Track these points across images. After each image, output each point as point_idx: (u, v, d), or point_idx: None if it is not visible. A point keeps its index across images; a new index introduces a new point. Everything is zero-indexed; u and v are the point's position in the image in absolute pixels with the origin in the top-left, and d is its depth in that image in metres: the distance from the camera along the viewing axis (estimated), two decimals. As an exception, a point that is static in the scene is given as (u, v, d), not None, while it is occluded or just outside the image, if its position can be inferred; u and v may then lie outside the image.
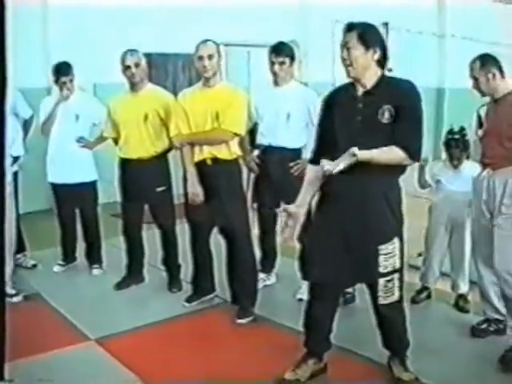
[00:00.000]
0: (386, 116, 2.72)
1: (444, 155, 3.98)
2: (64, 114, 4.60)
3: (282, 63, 4.05)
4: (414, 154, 2.74)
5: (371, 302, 2.97)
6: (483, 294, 3.53)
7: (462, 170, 3.86)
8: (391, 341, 3.04)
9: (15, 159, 4.41)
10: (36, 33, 6.57)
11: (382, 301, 2.88)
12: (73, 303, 4.09)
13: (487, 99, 3.42)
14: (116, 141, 4.42)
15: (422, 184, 4.03)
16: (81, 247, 4.91)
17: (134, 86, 4.24)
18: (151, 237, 4.61)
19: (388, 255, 2.80)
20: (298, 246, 3.15)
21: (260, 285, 4.14)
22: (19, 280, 4.32)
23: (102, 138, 4.69)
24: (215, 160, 3.78)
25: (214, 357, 3.35)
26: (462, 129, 3.85)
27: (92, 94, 5.98)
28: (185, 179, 3.86)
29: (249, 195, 4.23)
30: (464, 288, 3.97)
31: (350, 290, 3.88)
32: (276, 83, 4.15)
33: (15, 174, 4.44)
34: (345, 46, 2.77)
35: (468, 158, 3.84)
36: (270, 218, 4.31)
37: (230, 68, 7.49)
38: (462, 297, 3.98)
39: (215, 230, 4.01)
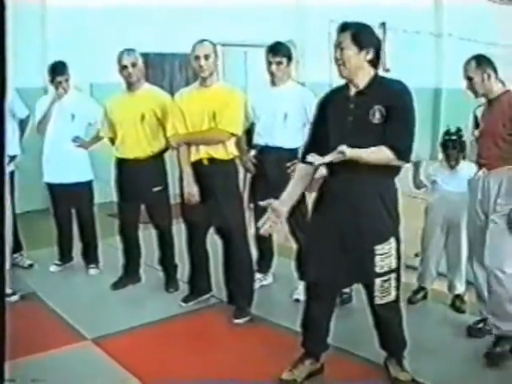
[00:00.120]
0: (376, 116, 2.72)
1: (441, 156, 3.99)
2: (60, 114, 4.60)
3: (279, 63, 4.04)
4: (403, 154, 2.72)
5: (368, 302, 2.97)
6: (479, 294, 3.53)
7: (458, 171, 3.87)
8: (388, 341, 3.03)
9: (12, 158, 4.40)
10: (34, 32, 6.55)
11: (378, 301, 2.88)
12: (69, 303, 4.08)
13: (483, 100, 3.42)
14: (112, 140, 4.41)
15: (417, 184, 4.02)
16: (77, 247, 4.90)
17: (130, 86, 4.23)
18: (148, 237, 4.60)
19: (384, 255, 2.81)
20: (294, 246, 3.15)
21: (257, 285, 4.13)
22: (16, 279, 4.30)
23: (97, 138, 4.70)
24: (212, 160, 3.78)
25: (211, 357, 3.34)
26: (459, 130, 3.85)
27: (89, 94, 5.97)
28: (181, 179, 3.86)
29: (245, 195, 4.22)
30: (460, 288, 3.97)
31: (346, 290, 3.87)
32: (273, 83, 4.15)
33: (12, 174, 4.43)
34: (338, 45, 2.76)
35: (465, 158, 3.84)
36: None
37: (227, 68, 7.49)
38: (458, 297, 3.98)
39: (212, 230, 4.01)
